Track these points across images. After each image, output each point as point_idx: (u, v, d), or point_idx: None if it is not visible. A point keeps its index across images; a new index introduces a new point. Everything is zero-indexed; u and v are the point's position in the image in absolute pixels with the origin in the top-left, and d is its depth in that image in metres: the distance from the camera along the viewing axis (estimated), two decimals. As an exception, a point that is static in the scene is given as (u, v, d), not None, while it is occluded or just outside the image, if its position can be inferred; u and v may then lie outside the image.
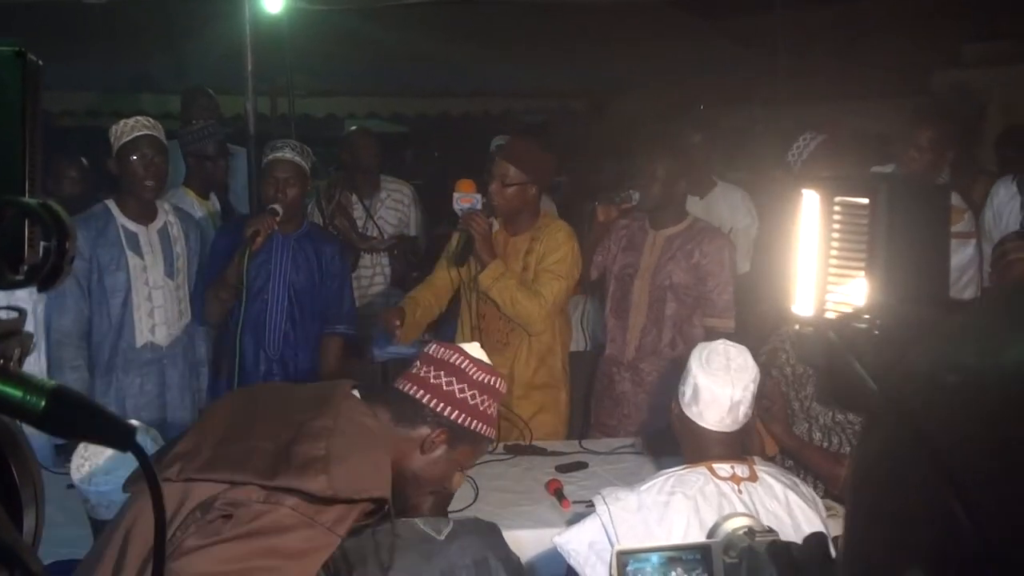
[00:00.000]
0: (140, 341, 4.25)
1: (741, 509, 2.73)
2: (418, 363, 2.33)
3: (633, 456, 4.03)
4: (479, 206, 4.08)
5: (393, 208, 5.73)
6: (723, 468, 2.82)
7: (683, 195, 4.53)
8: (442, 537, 2.60)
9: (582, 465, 3.90)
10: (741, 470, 2.82)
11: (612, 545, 2.69)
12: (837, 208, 1.04)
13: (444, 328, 4.78)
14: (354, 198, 5.68)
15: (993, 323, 0.61)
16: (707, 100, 9.54)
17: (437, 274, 4.40)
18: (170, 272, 4.31)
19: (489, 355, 4.07)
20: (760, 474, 2.84)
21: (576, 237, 4.35)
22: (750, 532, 1.34)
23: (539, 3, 7.88)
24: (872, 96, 8.73)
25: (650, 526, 2.73)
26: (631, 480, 3.26)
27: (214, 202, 5.28)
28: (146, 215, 4.31)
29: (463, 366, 2.30)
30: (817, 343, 1.04)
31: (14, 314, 0.82)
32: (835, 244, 1.04)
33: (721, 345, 2.94)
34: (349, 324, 4.52)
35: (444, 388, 2.26)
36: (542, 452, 4.06)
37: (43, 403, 0.81)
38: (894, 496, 0.59)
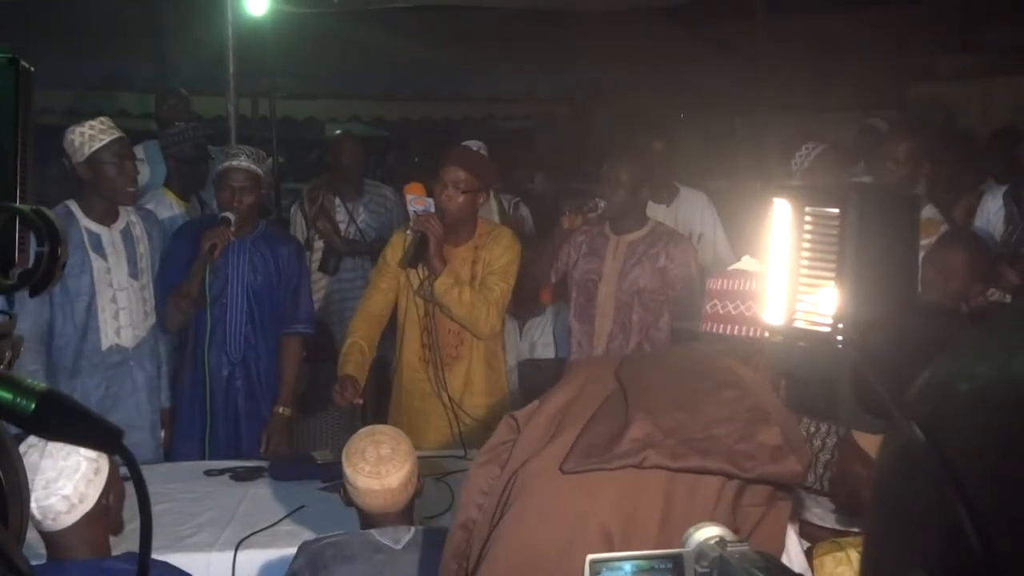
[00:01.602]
0: (106, 344, 4.21)
1: None
2: (715, 301, 2.23)
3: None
4: (432, 210, 4.04)
5: (376, 212, 5.74)
6: None
7: (645, 201, 4.58)
8: (399, 547, 2.60)
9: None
10: None
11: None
12: (808, 217, 1.06)
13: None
14: (337, 201, 5.69)
15: (1005, 334, 0.62)
16: (687, 108, 9.61)
17: (373, 300, 4.31)
18: (134, 273, 4.28)
19: (443, 368, 4.14)
20: None
21: (518, 240, 4.38)
22: (721, 542, 1.35)
23: (523, 9, 7.91)
24: (849, 108, 8.80)
25: None
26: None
27: (195, 204, 5.27)
28: (109, 216, 4.27)
29: (755, 287, 2.19)
30: (789, 350, 1.07)
31: (4, 318, 0.84)
32: (805, 253, 1.06)
33: (687, 349, 2.96)
34: (307, 323, 4.51)
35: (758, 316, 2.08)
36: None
37: (33, 406, 0.82)
38: (906, 503, 0.60)
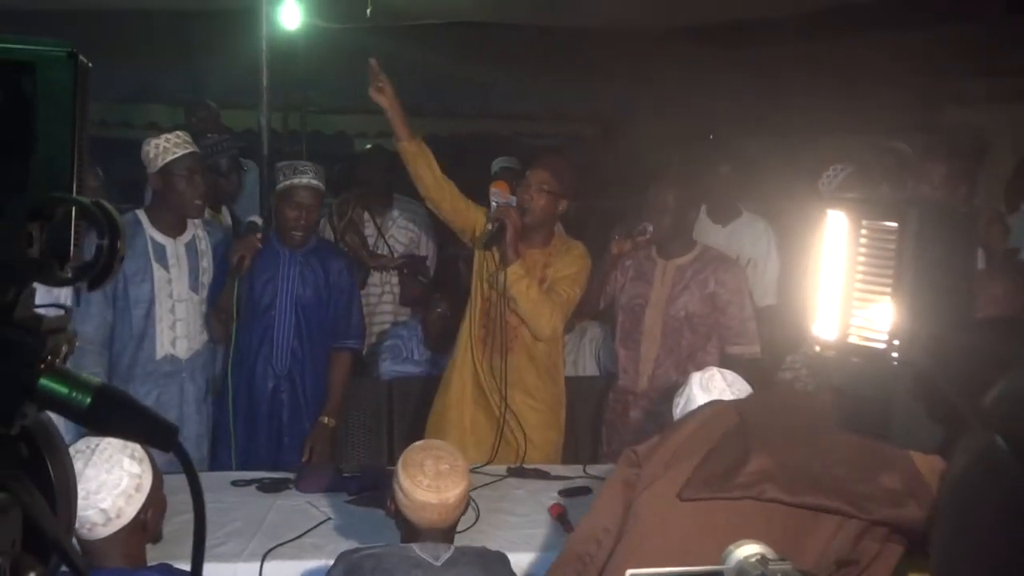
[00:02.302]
0: (160, 353, 4.26)
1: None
2: None
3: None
4: (513, 204, 4.13)
5: (404, 227, 5.74)
6: None
7: (692, 224, 4.54)
8: (439, 563, 2.59)
9: (585, 490, 3.89)
10: None
11: None
12: (864, 231, 1.04)
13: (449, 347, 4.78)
14: (366, 215, 5.69)
15: None
16: (717, 129, 9.59)
17: (466, 205, 4.35)
18: (195, 286, 4.33)
19: (493, 359, 4.15)
20: None
21: (589, 255, 4.41)
22: (763, 560, 1.33)
23: (551, 27, 7.92)
24: (878, 131, 8.75)
25: None
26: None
27: (226, 215, 5.29)
28: (176, 228, 4.34)
29: None
30: (842, 365, 1.05)
31: (61, 312, 0.83)
32: (861, 267, 1.04)
33: (717, 371, 2.95)
34: (357, 339, 4.52)
35: None
36: (545, 476, 4.06)
37: (89, 400, 0.82)
38: (981, 510, 0.59)
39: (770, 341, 5.24)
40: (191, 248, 4.35)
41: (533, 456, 4.28)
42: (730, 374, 2.93)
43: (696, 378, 2.91)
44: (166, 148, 4.19)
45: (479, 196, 4.41)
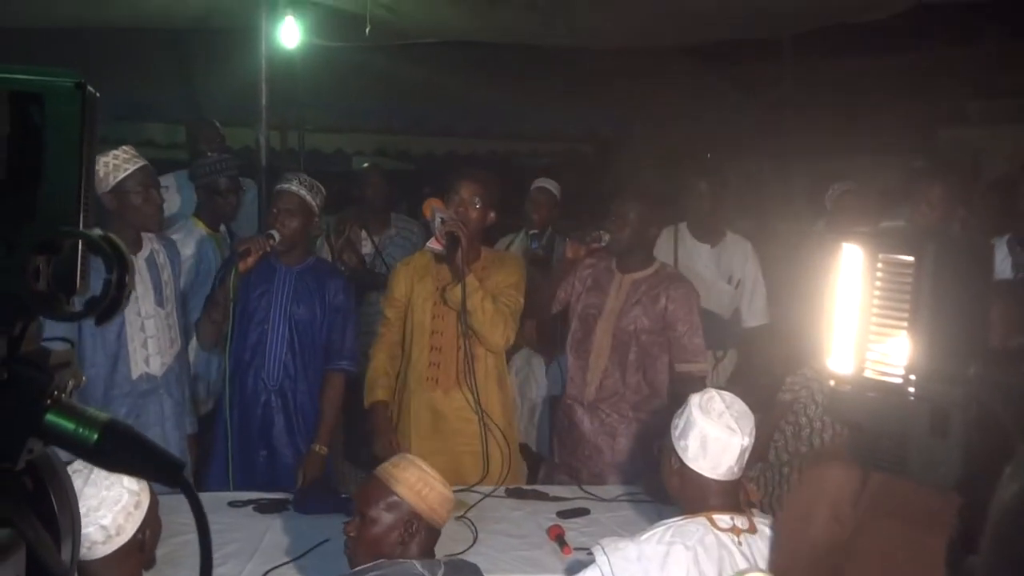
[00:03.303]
0: (136, 372, 4.20)
1: (741, 561, 2.72)
2: None
3: (635, 504, 4.00)
4: (455, 217, 4.12)
5: (402, 245, 5.73)
6: (723, 519, 2.80)
7: (652, 241, 4.55)
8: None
9: (584, 511, 3.87)
10: (740, 521, 2.80)
11: None
12: (880, 264, 1.03)
13: None
14: (364, 234, 5.68)
15: None
16: (714, 148, 9.60)
17: (389, 329, 4.40)
18: (160, 300, 4.27)
19: (452, 390, 4.15)
20: (759, 526, 2.82)
21: (523, 264, 4.50)
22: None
23: (548, 47, 7.93)
24: (877, 151, 8.78)
25: (649, 572, 2.71)
26: (633, 528, 3.24)
27: (224, 234, 5.27)
28: (133, 245, 4.24)
29: None
30: (857, 400, 1.03)
31: (67, 346, 0.82)
32: (877, 301, 1.03)
33: (716, 393, 2.94)
34: (351, 361, 4.48)
35: None
36: (544, 497, 4.04)
37: (96, 436, 0.80)
38: None
39: (766, 361, 5.26)
40: (151, 263, 4.30)
41: (515, 471, 4.33)
42: (728, 396, 2.92)
43: (695, 400, 2.90)
44: (116, 165, 4.11)
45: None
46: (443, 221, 4.06)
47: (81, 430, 0.80)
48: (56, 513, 0.84)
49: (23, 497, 0.81)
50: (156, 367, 4.24)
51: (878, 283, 1.02)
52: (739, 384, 5.28)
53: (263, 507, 3.78)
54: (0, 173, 0.74)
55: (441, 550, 2.92)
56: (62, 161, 0.77)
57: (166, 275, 4.31)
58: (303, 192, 4.28)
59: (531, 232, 5.81)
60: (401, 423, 4.33)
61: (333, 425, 4.43)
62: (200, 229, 5.10)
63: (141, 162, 4.17)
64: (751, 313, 5.40)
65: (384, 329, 4.41)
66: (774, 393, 4.38)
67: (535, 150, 9.67)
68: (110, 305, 0.77)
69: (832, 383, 1.08)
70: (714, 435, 2.81)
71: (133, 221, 4.16)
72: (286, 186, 4.31)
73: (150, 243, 4.32)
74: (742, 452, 2.82)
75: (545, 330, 5.33)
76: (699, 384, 4.14)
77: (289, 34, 6.31)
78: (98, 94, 0.80)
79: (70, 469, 2.32)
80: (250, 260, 4.14)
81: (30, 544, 0.77)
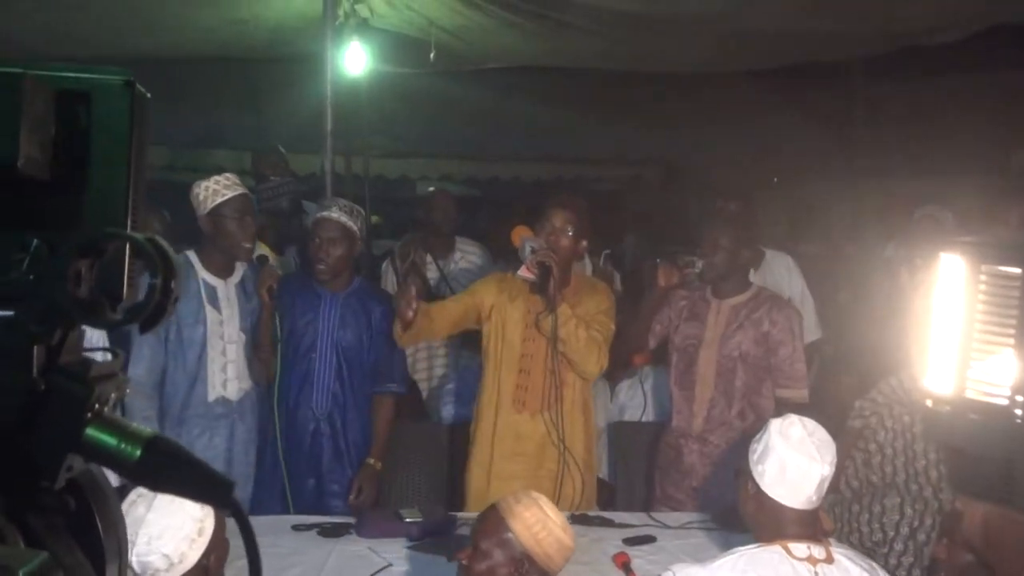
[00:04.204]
0: (212, 395, 4.24)
1: None
2: None
3: (703, 532, 3.91)
4: (545, 247, 4.06)
5: (467, 269, 5.70)
6: (799, 548, 2.69)
7: (747, 264, 4.49)
8: None
9: (650, 539, 3.79)
10: (817, 551, 2.69)
11: None
12: (984, 277, 0.95)
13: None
14: (428, 258, 5.66)
15: None
16: (781, 173, 9.48)
17: (451, 304, 4.34)
18: (244, 327, 4.31)
19: (536, 411, 4.09)
20: (837, 556, 2.70)
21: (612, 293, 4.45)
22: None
23: (613, 71, 7.89)
24: (949, 174, 8.58)
25: None
26: (701, 556, 3.15)
27: (289, 257, 5.29)
28: (226, 269, 4.33)
29: None
30: (958, 422, 0.96)
31: (111, 357, 0.78)
32: (980, 315, 0.95)
33: (797, 419, 2.85)
34: (400, 383, 4.46)
35: None
36: (610, 523, 3.97)
37: (138, 453, 0.76)
38: None
39: (818, 376, 5.12)
40: (241, 289, 4.34)
41: (588, 498, 4.28)
42: (810, 423, 2.83)
43: (775, 425, 2.82)
44: (215, 190, 4.19)
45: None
46: (533, 250, 4.03)
47: (123, 446, 0.75)
48: (101, 536, 0.79)
49: (63, 518, 0.76)
50: (233, 392, 4.27)
51: (981, 296, 0.94)
52: (807, 412, 5.15)
53: (326, 531, 3.76)
54: (44, 175, 0.70)
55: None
56: (109, 162, 0.73)
57: (255, 302, 4.34)
58: (344, 218, 4.27)
59: (605, 252, 5.79)
60: (481, 443, 4.29)
61: (386, 441, 4.41)
62: (265, 252, 5.12)
63: (240, 190, 4.25)
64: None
65: (446, 301, 4.38)
66: (843, 420, 4.27)
67: (601, 174, 9.63)
68: (154, 312, 0.72)
69: (929, 403, 1.01)
70: (793, 462, 2.72)
71: (225, 246, 4.23)
72: (326, 214, 4.30)
73: (242, 269, 4.37)
74: (822, 481, 2.73)
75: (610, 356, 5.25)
76: (799, 412, 4.04)
77: (354, 60, 6.34)
78: (148, 95, 0.76)
79: (135, 494, 2.32)
80: (269, 295, 4.18)
81: (67, 571, 0.72)
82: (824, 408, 5.20)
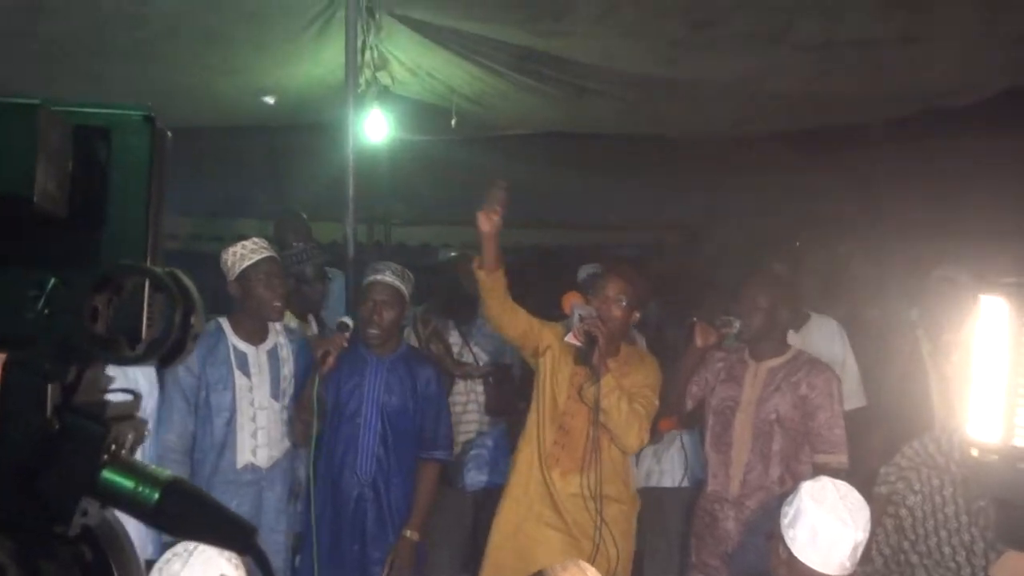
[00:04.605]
0: (241, 462, 4.20)
1: None
2: None
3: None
4: (595, 315, 4.06)
5: (490, 335, 5.65)
6: None
7: (785, 326, 4.42)
8: None
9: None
10: None
11: None
12: (1026, 318, 0.92)
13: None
14: (451, 324, 5.64)
15: None
16: (803, 235, 9.44)
17: (532, 319, 4.28)
18: (275, 394, 4.29)
19: (570, 474, 4.02)
20: None
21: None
22: None
23: (634, 135, 7.93)
24: (974, 235, 8.53)
25: None
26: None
27: (312, 324, 5.28)
28: (258, 335, 4.32)
29: None
30: (1006, 472, 0.92)
31: (129, 397, 0.75)
32: (1025, 359, 0.92)
33: (829, 482, 2.80)
34: (446, 450, 4.42)
35: None
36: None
37: (157, 496, 0.72)
38: None
39: (859, 445, 5.03)
40: (273, 355, 4.32)
41: (623, 568, 4.20)
42: (844, 485, 2.78)
43: (807, 488, 2.76)
44: (243, 255, 4.21)
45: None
46: (582, 318, 4.02)
47: (141, 489, 0.72)
48: None
49: (78, 570, 0.73)
50: (263, 459, 4.24)
51: (1026, 339, 0.91)
52: (846, 478, 5.07)
53: (350, 601, 3.69)
54: (61, 211, 0.68)
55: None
56: (129, 198, 0.71)
57: (287, 370, 4.33)
58: (396, 282, 4.30)
59: None
60: (513, 496, 4.24)
61: (426, 512, 4.35)
62: (288, 319, 5.11)
63: (268, 253, 4.28)
64: (845, 394, 5.16)
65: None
66: (871, 485, 4.20)
67: (622, 240, 9.61)
68: (173, 347, 0.69)
69: (975, 453, 0.97)
70: (825, 526, 2.66)
71: (255, 309, 4.23)
72: (379, 277, 4.31)
73: (276, 335, 4.36)
74: (855, 547, 2.67)
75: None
76: (838, 478, 3.97)
77: (375, 127, 6.39)
78: (169, 133, 0.75)
79: (170, 553, 2.28)
80: (330, 360, 4.14)
81: None
82: (853, 473, 5.12)
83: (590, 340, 3.99)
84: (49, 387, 0.69)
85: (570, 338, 4.07)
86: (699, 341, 4.34)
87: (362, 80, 6.13)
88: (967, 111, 6.89)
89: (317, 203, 7.01)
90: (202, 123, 6.94)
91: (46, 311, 0.67)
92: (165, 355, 0.69)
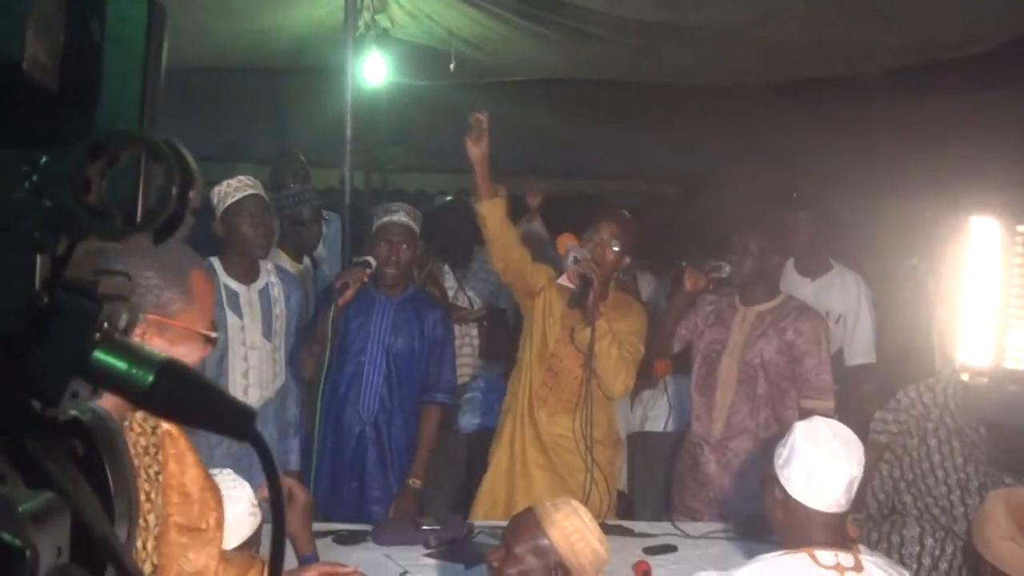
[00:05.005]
0: None
1: None
2: None
3: (725, 541, 3.86)
4: (590, 258, 4.05)
5: (485, 280, 5.66)
6: (826, 556, 2.63)
7: (776, 272, 4.45)
8: None
9: (671, 548, 3.75)
10: (845, 559, 2.63)
11: None
12: (1021, 239, 0.91)
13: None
14: (446, 268, 5.63)
15: None
16: (800, 189, 9.40)
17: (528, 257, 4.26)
18: (267, 333, 4.28)
19: (559, 417, 4.05)
20: (866, 564, 2.64)
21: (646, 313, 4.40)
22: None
23: (633, 84, 7.86)
24: (972, 188, 8.50)
25: None
26: (722, 566, 3.10)
27: (308, 265, 5.27)
28: (249, 275, 4.30)
29: None
30: (996, 394, 0.91)
31: (123, 279, 0.73)
32: (1017, 280, 0.91)
33: (822, 421, 2.81)
34: (448, 394, 4.43)
35: None
36: (630, 533, 3.92)
37: (151, 378, 0.70)
38: None
39: (859, 399, 5.03)
40: (264, 295, 4.31)
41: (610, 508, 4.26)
42: (836, 424, 2.78)
43: (800, 428, 2.77)
44: (227, 192, 4.19)
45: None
46: (576, 260, 4.00)
47: (135, 371, 0.69)
48: (111, 491, 0.74)
49: (71, 460, 0.71)
50: (254, 399, 4.24)
51: (1018, 259, 0.90)
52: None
53: (342, 538, 3.72)
54: (52, 84, 0.66)
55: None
56: (124, 73, 0.68)
57: (279, 309, 4.32)
58: (409, 221, 4.30)
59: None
60: (504, 440, 4.27)
61: (428, 456, 4.37)
62: (284, 259, 5.10)
63: (252, 190, 4.25)
64: (852, 350, 5.15)
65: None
66: (864, 429, 4.22)
67: (622, 189, 9.56)
68: (170, 220, 0.67)
69: (966, 377, 0.96)
70: (820, 464, 2.67)
71: (239, 246, 4.21)
72: (394, 218, 4.30)
73: (267, 275, 4.34)
74: (850, 483, 2.67)
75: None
76: None
77: (374, 70, 6.34)
78: (165, 5, 0.72)
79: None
80: (348, 294, 4.12)
81: (75, 510, 0.67)
82: (845, 418, 5.14)
83: (585, 282, 3.98)
84: (39, 259, 0.67)
85: (564, 280, 4.07)
86: (688, 285, 4.36)
87: (361, 23, 6.06)
88: (970, 62, 6.83)
89: (315, 148, 6.95)
90: (199, 64, 6.87)
91: (35, 178, 0.64)
92: (161, 228, 0.68)
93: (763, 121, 8.60)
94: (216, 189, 4.24)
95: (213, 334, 1.95)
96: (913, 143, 8.85)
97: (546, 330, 4.21)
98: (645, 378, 5.00)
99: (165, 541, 2.11)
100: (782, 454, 2.76)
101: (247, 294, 4.26)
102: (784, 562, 2.64)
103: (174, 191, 0.67)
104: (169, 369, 0.72)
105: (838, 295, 5.18)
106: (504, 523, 3.90)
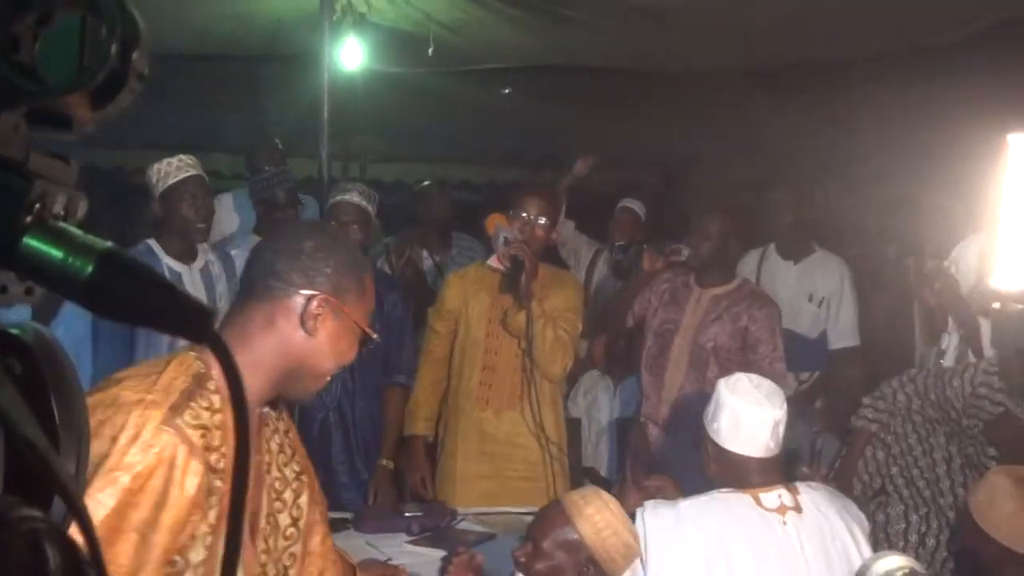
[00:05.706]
0: None
1: (784, 542, 2.65)
2: None
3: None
4: (520, 238, 3.87)
5: (463, 264, 5.58)
6: (769, 498, 2.72)
7: (734, 256, 4.46)
8: None
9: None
10: (788, 499, 2.73)
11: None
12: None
13: None
14: (424, 253, 5.56)
15: None
16: (779, 176, 9.37)
17: (434, 343, 4.21)
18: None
19: (504, 411, 3.96)
20: (805, 505, 2.73)
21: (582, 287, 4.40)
22: (912, 573, 1.14)
23: (611, 70, 7.81)
24: (952, 177, 8.49)
25: (685, 533, 2.66)
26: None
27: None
28: (188, 255, 4.21)
29: None
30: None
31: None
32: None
33: (742, 375, 2.92)
34: (408, 375, 4.34)
35: None
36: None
37: (90, 268, 0.60)
38: None
39: (845, 384, 5.00)
40: (205, 274, 4.22)
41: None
42: (756, 376, 2.90)
43: (722, 383, 2.90)
44: (167, 172, 4.07)
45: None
46: (507, 241, 3.84)
47: (72, 260, 0.59)
48: (56, 419, 0.64)
49: (11, 380, 0.61)
50: None
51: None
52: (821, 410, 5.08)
53: (322, 526, 3.63)
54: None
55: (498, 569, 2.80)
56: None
57: (221, 287, 4.22)
58: (363, 201, 4.20)
59: (618, 244, 5.69)
60: (448, 444, 4.15)
61: (395, 438, 4.29)
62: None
63: (193, 171, 4.12)
64: (835, 333, 5.14)
65: (432, 345, 4.22)
66: (847, 413, 4.21)
67: (602, 176, 9.50)
68: (111, 80, 0.58)
69: (997, 306, 0.90)
70: (746, 412, 2.75)
71: (178, 228, 4.10)
72: (346, 197, 4.22)
73: (205, 254, 4.25)
74: (775, 425, 2.75)
75: (613, 350, 5.16)
76: None
77: (351, 56, 6.26)
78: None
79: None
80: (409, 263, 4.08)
81: (8, 421, 0.56)
82: (829, 401, 5.11)
83: (516, 264, 3.82)
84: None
85: (493, 262, 3.91)
86: (646, 265, 4.33)
87: (338, 6, 5.98)
88: (952, 48, 6.81)
89: (291, 138, 6.86)
90: (173, 51, 6.76)
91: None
92: (100, 90, 0.58)
93: (744, 107, 8.56)
94: (155, 167, 4.10)
95: (374, 335, 1.93)
96: (895, 128, 8.84)
97: (474, 331, 4.07)
98: (627, 365, 4.95)
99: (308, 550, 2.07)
100: (709, 411, 2.86)
101: (189, 275, 4.15)
102: (729, 498, 2.72)
103: (114, 48, 0.57)
104: (112, 258, 0.62)
105: (821, 278, 5.16)
106: (487, 509, 3.87)
